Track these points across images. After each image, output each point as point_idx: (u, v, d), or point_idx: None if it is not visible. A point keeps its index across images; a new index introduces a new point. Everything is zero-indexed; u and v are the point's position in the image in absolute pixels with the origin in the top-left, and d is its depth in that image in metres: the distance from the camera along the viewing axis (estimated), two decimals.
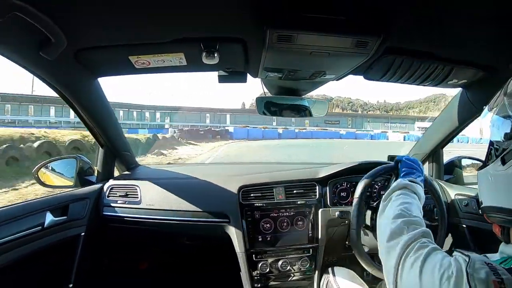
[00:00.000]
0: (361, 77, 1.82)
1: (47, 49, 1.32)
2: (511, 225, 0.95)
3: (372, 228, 1.78)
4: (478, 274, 0.79)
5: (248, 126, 54.34)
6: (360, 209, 1.80)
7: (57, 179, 2.26)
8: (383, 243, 1.15)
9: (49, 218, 1.83)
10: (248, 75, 1.86)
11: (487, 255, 1.12)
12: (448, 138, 2.41)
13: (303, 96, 2.16)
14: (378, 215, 1.34)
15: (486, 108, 1.11)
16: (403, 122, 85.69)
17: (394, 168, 1.80)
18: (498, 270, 0.79)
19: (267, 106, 2.12)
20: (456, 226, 2.20)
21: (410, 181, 1.46)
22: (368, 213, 1.83)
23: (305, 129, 59.16)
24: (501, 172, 0.92)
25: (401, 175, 1.59)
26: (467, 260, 0.84)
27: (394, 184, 1.46)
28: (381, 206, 1.37)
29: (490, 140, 1.03)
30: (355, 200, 1.82)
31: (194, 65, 1.69)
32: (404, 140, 49.36)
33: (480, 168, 1.08)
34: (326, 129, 61.06)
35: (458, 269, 0.83)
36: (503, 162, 0.91)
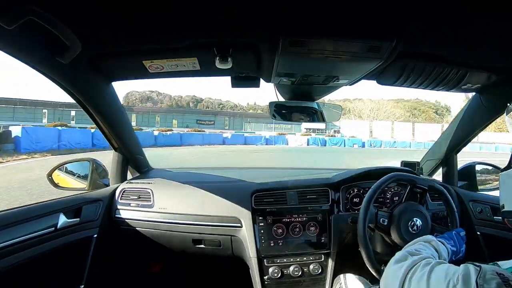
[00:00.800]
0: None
1: (62, 53, 1.34)
2: None
3: (384, 231, 1.77)
4: (489, 285, 0.76)
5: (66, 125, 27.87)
6: (367, 211, 1.76)
7: (71, 181, 2.29)
8: (389, 267, 1.16)
9: (62, 219, 1.85)
10: (261, 79, 1.87)
11: (499, 262, 1.10)
12: (463, 143, 2.39)
13: (317, 101, 2.15)
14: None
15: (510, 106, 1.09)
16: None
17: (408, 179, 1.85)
18: (511, 280, 0.77)
19: (279, 111, 2.10)
20: (470, 234, 2.16)
21: (438, 241, 1.45)
22: (380, 218, 1.82)
23: (171, 130, 39.81)
24: None
25: (439, 236, 1.58)
26: (478, 269, 0.82)
27: (423, 236, 1.46)
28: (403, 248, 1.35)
29: None
30: (363, 204, 1.79)
31: (207, 69, 1.70)
32: (308, 144, 42.82)
33: (504, 169, 1.06)
34: (203, 131, 43.83)
35: (465, 276, 0.82)
36: None
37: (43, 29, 1.14)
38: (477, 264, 0.86)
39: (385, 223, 1.73)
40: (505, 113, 1.14)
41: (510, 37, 1.31)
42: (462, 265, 0.88)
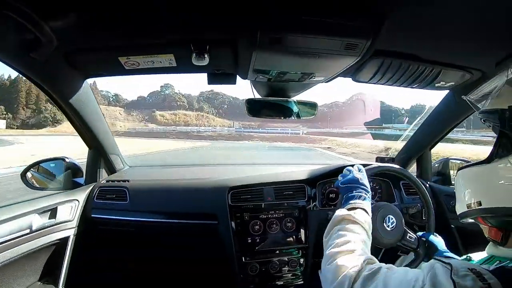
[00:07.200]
0: None
1: (37, 50, 1.31)
2: None
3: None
4: (465, 281, 0.75)
5: None
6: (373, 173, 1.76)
7: (45, 181, 2.24)
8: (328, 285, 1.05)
9: (37, 220, 1.81)
10: (238, 76, 1.86)
11: (470, 254, 1.11)
12: (436, 140, 2.44)
13: (292, 98, 2.16)
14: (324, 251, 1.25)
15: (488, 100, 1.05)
16: None
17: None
18: (484, 274, 0.76)
19: (255, 108, 2.11)
20: (445, 227, 2.21)
21: (350, 209, 1.35)
22: None
23: None
24: None
25: (342, 202, 1.45)
26: (449, 268, 0.81)
27: (333, 218, 1.33)
28: (324, 241, 1.30)
29: (501, 131, 0.97)
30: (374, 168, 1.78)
31: (184, 66, 1.69)
32: None
33: (481, 163, 1.02)
34: None
35: (433, 276, 0.81)
36: None
37: (18, 25, 1.11)
38: (445, 261, 0.84)
39: None
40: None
41: (480, 38, 1.34)
42: (425, 265, 0.87)
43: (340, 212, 1.32)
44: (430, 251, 1.64)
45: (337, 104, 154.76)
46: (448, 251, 1.60)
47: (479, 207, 1.00)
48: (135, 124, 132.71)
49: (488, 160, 0.99)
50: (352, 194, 1.43)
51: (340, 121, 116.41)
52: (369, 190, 1.48)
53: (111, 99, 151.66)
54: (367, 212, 1.35)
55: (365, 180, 1.51)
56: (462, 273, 0.78)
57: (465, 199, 1.07)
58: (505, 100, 0.95)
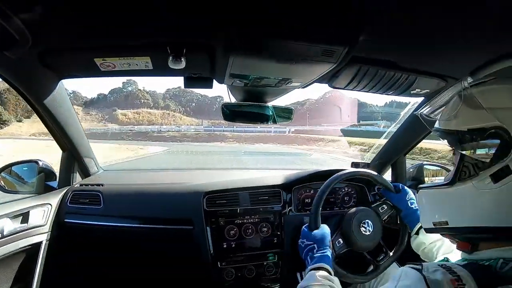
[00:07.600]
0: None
1: (11, 48, 1.29)
2: (487, 241, 0.92)
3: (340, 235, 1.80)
4: (434, 276, 0.78)
5: None
6: (317, 212, 1.78)
7: (17, 184, 2.19)
8: None
9: (9, 225, 1.78)
10: (214, 81, 1.86)
11: (448, 256, 1.14)
12: (411, 146, 2.48)
13: (269, 103, 2.16)
14: None
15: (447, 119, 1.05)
16: None
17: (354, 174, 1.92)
18: (454, 268, 0.79)
19: (232, 113, 2.10)
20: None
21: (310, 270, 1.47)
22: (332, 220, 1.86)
23: None
24: (492, 190, 0.86)
25: (308, 265, 1.56)
26: (420, 267, 0.84)
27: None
28: None
29: (462, 154, 0.96)
30: (313, 207, 1.81)
31: (160, 69, 1.68)
32: None
33: (444, 185, 1.02)
34: None
35: (407, 279, 0.84)
36: (496, 179, 0.85)
37: None
38: (417, 263, 0.87)
39: (341, 243, 1.77)
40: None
41: (454, 46, 1.37)
42: (394, 275, 0.90)
43: (302, 283, 1.41)
44: (398, 214, 1.84)
45: (310, 101, 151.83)
46: (411, 206, 1.76)
47: (446, 225, 1.01)
48: (93, 124, 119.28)
49: (451, 183, 0.99)
50: (308, 257, 1.59)
51: (317, 118, 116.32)
52: (320, 242, 1.62)
53: (69, 97, 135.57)
54: (326, 269, 1.46)
55: (313, 236, 1.66)
56: (432, 269, 0.81)
57: (430, 216, 1.09)
58: (463, 121, 0.96)
